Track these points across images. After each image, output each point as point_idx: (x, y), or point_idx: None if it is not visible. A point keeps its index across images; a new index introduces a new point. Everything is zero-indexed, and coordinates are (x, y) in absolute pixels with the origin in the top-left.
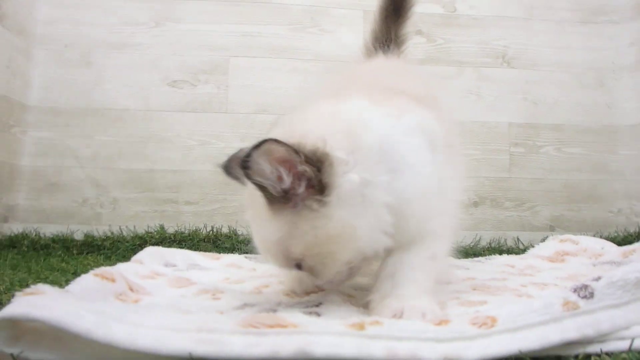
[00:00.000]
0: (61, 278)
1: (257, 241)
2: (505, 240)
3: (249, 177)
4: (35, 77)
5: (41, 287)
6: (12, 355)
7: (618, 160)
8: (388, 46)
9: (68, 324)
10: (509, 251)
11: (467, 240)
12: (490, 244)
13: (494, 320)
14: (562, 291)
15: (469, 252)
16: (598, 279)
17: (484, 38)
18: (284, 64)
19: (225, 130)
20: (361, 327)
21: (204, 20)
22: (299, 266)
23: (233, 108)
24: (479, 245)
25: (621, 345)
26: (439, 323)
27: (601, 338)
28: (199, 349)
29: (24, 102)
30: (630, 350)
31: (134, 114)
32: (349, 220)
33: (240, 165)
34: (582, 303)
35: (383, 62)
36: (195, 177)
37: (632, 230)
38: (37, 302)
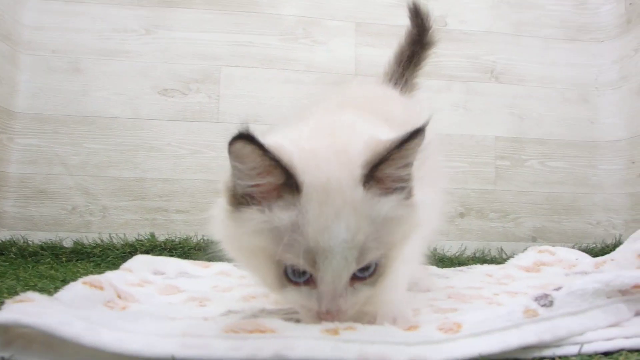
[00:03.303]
0: (50, 285)
1: (341, 233)
2: (490, 250)
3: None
4: (22, 83)
5: (30, 294)
6: (3, 358)
7: (598, 174)
8: (399, 89)
9: (57, 330)
10: (493, 261)
11: (453, 250)
12: (475, 253)
13: (459, 326)
14: (524, 299)
15: (454, 261)
16: (559, 288)
17: (474, 53)
18: (275, 74)
19: (216, 139)
20: (335, 332)
21: (196, 28)
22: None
23: (224, 117)
24: (463, 255)
25: (574, 349)
26: (409, 328)
27: (557, 343)
28: (183, 353)
29: (11, 109)
30: (579, 354)
31: (124, 122)
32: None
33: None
34: (541, 311)
35: (373, 87)
36: (186, 186)
37: (609, 241)
38: (27, 310)
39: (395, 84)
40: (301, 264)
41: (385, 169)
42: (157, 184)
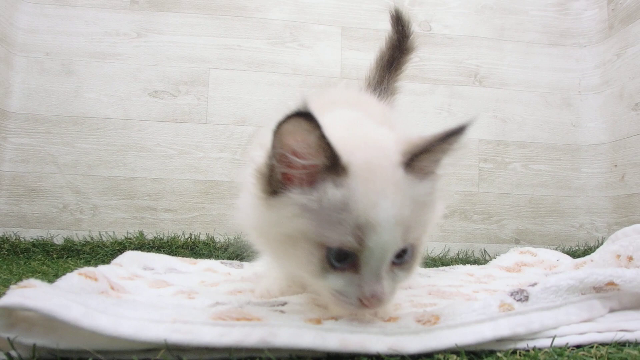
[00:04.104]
0: (43, 279)
1: (388, 208)
2: (473, 251)
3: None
4: (16, 84)
5: (33, 281)
6: (8, 339)
7: (581, 177)
8: (378, 93)
9: (58, 314)
10: (476, 262)
11: (437, 251)
12: (458, 254)
13: (437, 318)
14: (500, 294)
15: (438, 262)
16: (534, 284)
17: (457, 57)
18: (263, 77)
19: (204, 140)
20: (318, 321)
21: (185, 32)
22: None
23: (212, 119)
24: (447, 256)
25: (547, 342)
26: (389, 320)
27: (532, 336)
28: (174, 337)
29: (5, 109)
30: (551, 346)
31: (114, 123)
32: None
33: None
34: (516, 305)
35: (350, 92)
36: (174, 186)
37: (592, 244)
38: (30, 294)
39: (375, 88)
40: (349, 241)
41: (423, 160)
42: (146, 183)
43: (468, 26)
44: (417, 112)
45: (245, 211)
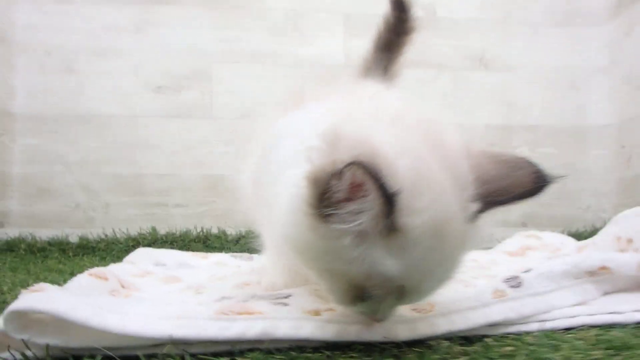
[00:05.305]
0: (59, 278)
1: (442, 276)
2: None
3: None
4: (18, 84)
5: (43, 285)
6: (23, 340)
7: (588, 159)
8: (376, 77)
9: (67, 315)
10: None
11: None
12: None
13: (432, 306)
14: (494, 281)
15: None
16: (528, 270)
17: (462, 41)
18: (265, 70)
19: (210, 135)
20: (317, 313)
21: (185, 25)
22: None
23: (217, 114)
24: None
25: (538, 326)
26: None
27: (524, 320)
28: (179, 332)
29: (10, 110)
30: (542, 330)
31: (119, 120)
32: None
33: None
34: (509, 291)
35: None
36: (182, 181)
37: (598, 225)
38: (40, 297)
39: (374, 72)
40: (389, 298)
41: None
42: (155, 179)
43: (473, 9)
44: (422, 99)
45: (283, 211)
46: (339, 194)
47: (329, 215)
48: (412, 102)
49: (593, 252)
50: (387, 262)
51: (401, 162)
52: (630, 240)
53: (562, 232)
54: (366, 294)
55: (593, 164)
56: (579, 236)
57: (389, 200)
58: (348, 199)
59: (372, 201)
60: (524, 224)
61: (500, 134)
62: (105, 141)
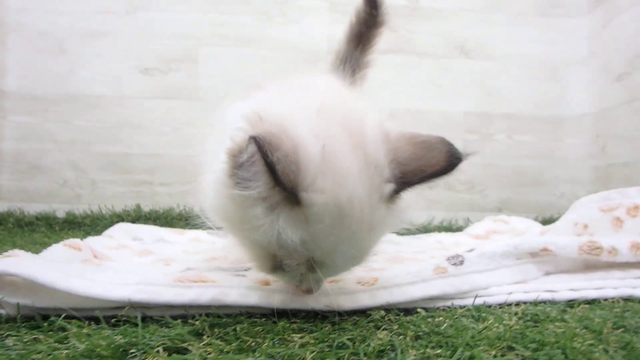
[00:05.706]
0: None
1: (351, 255)
2: (457, 220)
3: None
4: (10, 64)
5: (16, 251)
6: None
7: (563, 147)
8: (346, 68)
9: (37, 277)
10: (459, 230)
11: (421, 219)
12: (442, 223)
13: (375, 280)
14: (437, 259)
15: (422, 230)
16: (471, 250)
17: (445, 30)
18: (251, 53)
19: (195, 116)
20: (267, 283)
21: (173, 8)
22: None
23: (203, 95)
24: (431, 225)
25: (477, 301)
26: (331, 281)
27: (461, 295)
28: (137, 297)
29: (2, 88)
30: (473, 305)
31: (109, 101)
32: None
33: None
34: (450, 269)
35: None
36: (168, 161)
37: None
38: (14, 262)
39: (346, 62)
40: (301, 269)
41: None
42: (142, 158)
43: None
44: (404, 86)
45: (206, 192)
46: (242, 165)
47: (238, 183)
48: (340, 93)
49: (536, 235)
50: (289, 232)
51: (310, 145)
52: (585, 226)
53: (536, 218)
54: (283, 264)
55: (569, 152)
56: (552, 221)
57: (270, 170)
58: (246, 169)
59: (260, 171)
60: (499, 209)
61: (479, 121)
62: (94, 120)
